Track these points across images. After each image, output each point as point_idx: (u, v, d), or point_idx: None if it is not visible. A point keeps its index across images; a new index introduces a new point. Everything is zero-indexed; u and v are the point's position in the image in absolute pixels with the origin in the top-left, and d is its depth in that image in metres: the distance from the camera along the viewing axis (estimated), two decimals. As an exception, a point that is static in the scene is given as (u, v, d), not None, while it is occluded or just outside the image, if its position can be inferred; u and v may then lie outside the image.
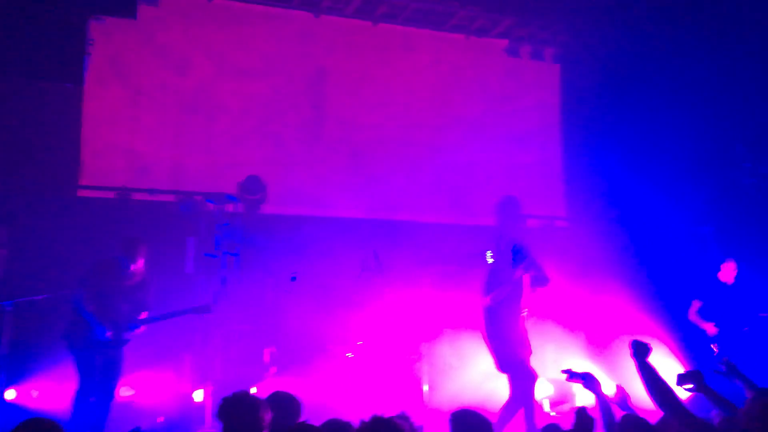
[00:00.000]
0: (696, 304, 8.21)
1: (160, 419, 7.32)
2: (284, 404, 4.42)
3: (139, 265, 6.80)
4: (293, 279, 8.46)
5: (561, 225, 10.49)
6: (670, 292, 8.85)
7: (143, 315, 6.80)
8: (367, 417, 3.85)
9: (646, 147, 9.47)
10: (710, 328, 8.01)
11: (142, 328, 6.79)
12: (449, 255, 9.05)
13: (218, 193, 8.77)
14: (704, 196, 9.13)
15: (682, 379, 4.48)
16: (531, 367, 6.69)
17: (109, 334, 6.51)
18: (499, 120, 10.17)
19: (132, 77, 8.95)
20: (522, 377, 6.59)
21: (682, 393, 4.40)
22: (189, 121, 9.12)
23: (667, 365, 7.50)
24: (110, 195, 8.68)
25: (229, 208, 8.84)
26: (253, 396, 4.19)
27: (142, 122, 8.96)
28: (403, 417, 4.12)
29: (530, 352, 6.77)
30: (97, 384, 6.56)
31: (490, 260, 9.19)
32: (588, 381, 4.49)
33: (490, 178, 9.91)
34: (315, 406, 5.88)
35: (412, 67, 10.09)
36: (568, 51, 10.59)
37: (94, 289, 6.58)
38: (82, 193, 8.57)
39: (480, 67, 10.33)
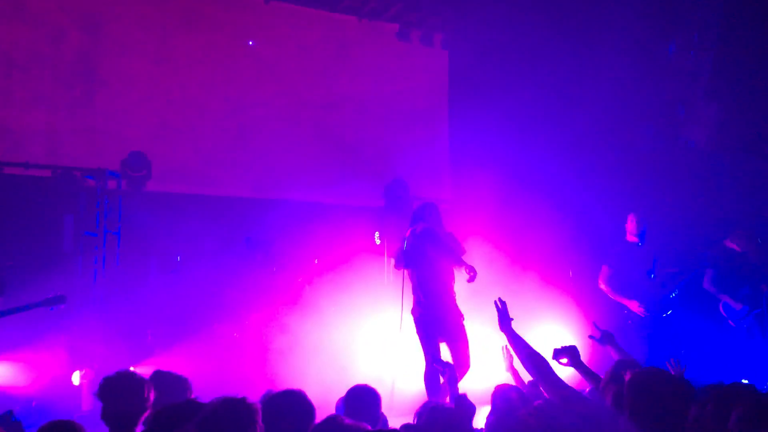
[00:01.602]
0: (605, 271, 7.62)
1: (34, 403, 7.01)
2: (169, 383, 4.34)
3: None
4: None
5: (446, 206, 10.74)
6: (571, 260, 9.03)
7: None
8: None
9: (530, 127, 9.81)
10: (635, 307, 7.40)
11: None
12: (336, 235, 9.09)
13: (99, 169, 8.46)
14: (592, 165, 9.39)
15: (558, 354, 4.65)
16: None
17: None
18: (387, 102, 10.30)
19: (3, 46, 8.46)
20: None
21: (559, 367, 4.58)
22: (66, 95, 8.73)
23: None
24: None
25: (112, 185, 8.54)
26: (135, 374, 4.09)
27: (15, 94, 8.50)
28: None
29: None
30: None
31: (378, 241, 9.36)
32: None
33: (377, 159, 10.02)
34: (200, 386, 5.81)
35: (300, 46, 10.04)
36: (456, 37, 10.82)
37: None
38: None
39: (370, 50, 10.41)
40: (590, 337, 5.31)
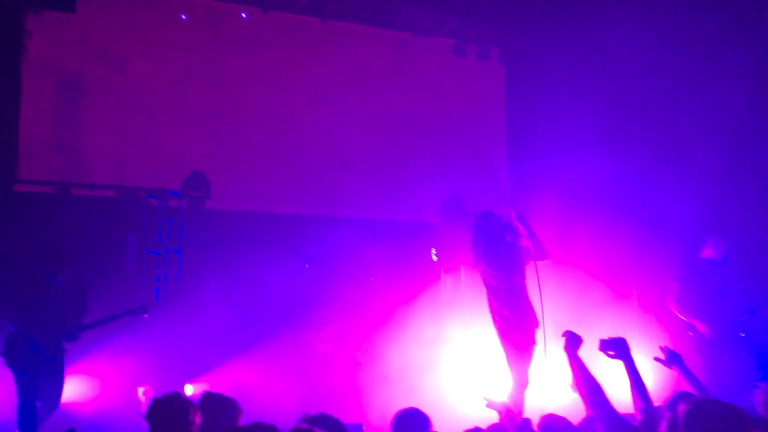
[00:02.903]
0: (675, 288, 7.31)
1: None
2: (218, 405, 4.39)
3: (64, 277, 6.60)
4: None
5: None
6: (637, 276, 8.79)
7: (74, 323, 6.65)
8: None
9: (591, 143, 9.59)
10: (702, 328, 7.11)
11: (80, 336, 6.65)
12: (391, 252, 9.09)
13: (161, 188, 8.70)
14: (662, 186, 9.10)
15: (605, 345, 4.50)
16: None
17: (42, 348, 6.40)
18: (442, 117, 10.26)
19: (70, 73, 8.81)
20: None
21: (604, 358, 4.40)
22: (129, 119, 8.99)
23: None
24: (49, 190, 8.51)
25: (172, 204, 8.76)
26: (184, 397, 4.14)
27: (81, 118, 8.83)
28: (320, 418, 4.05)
29: None
30: (42, 394, 6.47)
31: (435, 258, 9.32)
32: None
33: (432, 175, 9.97)
34: (253, 407, 5.87)
35: (354, 64, 10.08)
36: (512, 51, 10.73)
37: (19, 304, 6.42)
38: (20, 187, 8.40)
39: (425, 66, 10.39)
40: (656, 359, 5.13)
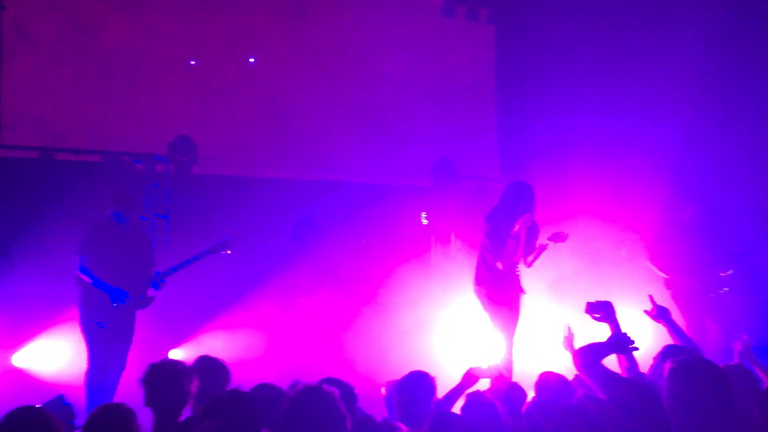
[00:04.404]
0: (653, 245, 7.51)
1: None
2: (212, 371, 4.36)
3: (131, 223, 6.53)
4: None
5: (496, 186, 10.56)
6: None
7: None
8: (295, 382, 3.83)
9: (580, 106, 9.50)
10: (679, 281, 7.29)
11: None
12: (381, 216, 9.03)
13: (147, 153, 8.55)
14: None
15: (591, 308, 4.51)
16: None
17: (129, 295, 6.27)
18: (431, 79, 10.13)
19: (48, 39, 8.65)
20: None
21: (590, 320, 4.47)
22: (110, 85, 8.85)
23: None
24: (33, 156, 8.36)
25: (159, 169, 8.63)
26: (180, 364, 4.12)
27: (62, 85, 8.65)
28: (331, 381, 4.10)
29: None
30: (111, 354, 6.32)
31: (425, 221, 9.26)
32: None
33: (422, 138, 9.87)
34: (243, 373, 5.84)
35: (339, 27, 9.89)
36: (503, 11, 10.56)
37: (97, 254, 6.26)
38: (2, 153, 8.23)
39: (413, 27, 10.20)
40: (645, 312, 5.16)
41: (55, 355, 7.22)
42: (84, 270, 6.26)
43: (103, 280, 6.22)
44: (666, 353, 4.28)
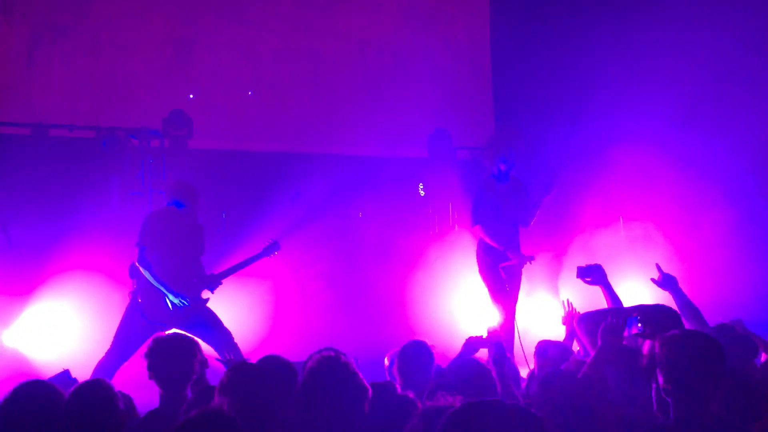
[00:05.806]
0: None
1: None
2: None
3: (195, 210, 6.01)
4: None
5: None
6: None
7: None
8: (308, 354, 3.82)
9: (578, 74, 9.35)
10: None
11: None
12: (379, 188, 9.01)
13: (142, 128, 8.47)
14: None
15: (582, 272, 4.53)
16: None
17: (188, 301, 5.68)
18: (426, 50, 10.02)
19: (37, 15, 8.47)
20: None
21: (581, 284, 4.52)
22: (101, 61, 8.70)
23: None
24: (26, 132, 8.26)
25: (154, 144, 8.56)
26: (188, 338, 4.10)
27: (53, 60, 8.51)
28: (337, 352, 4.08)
29: None
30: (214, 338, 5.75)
31: (422, 193, 9.26)
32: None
33: (417, 109, 9.80)
34: (243, 347, 5.87)
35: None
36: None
37: (159, 246, 5.65)
38: (-6, 129, 8.16)
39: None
40: (652, 279, 5.12)
41: (49, 334, 7.15)
42: (144, 262, 5.64)
43: (164, 279, 5.65)
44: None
